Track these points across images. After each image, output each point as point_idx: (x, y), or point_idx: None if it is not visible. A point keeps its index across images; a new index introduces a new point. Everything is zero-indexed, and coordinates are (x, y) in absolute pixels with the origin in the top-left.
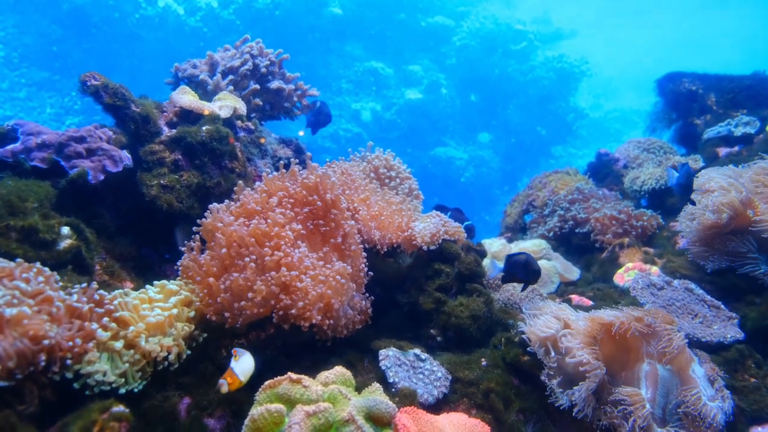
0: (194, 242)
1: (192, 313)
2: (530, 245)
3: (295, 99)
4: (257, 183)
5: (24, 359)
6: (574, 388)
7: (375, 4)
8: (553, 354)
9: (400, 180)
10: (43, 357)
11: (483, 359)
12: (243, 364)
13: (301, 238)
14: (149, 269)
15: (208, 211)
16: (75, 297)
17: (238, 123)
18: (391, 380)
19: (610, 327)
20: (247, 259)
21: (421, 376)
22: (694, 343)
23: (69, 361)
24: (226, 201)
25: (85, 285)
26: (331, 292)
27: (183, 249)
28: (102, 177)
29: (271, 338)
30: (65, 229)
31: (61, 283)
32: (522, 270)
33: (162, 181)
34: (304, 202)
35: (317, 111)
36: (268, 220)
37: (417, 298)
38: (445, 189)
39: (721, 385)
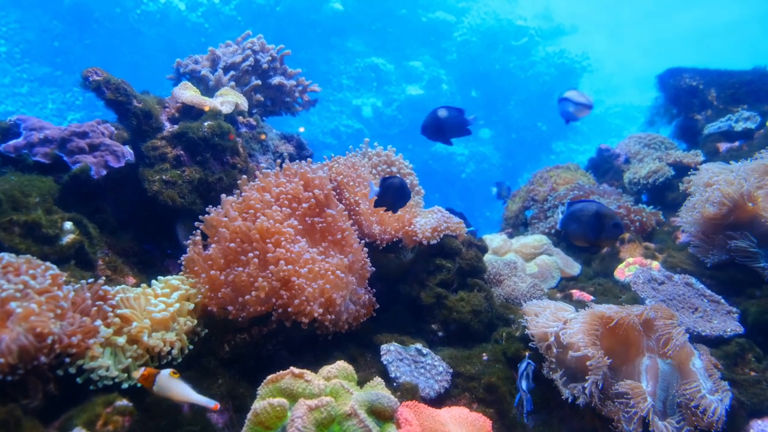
0: (196, 236)
1: (191, 306)
2: (531, 240)
3: (297, 95)
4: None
5: (27, 354)
6: (583, 384)
7: (376, 0)
8: (554, 349)
9: (401, 176)
10: (46, 352)
11: (484, 354)
12: (172, 384)
13: (300, 233)
14: (151, 264)
15: (210, 206)
16: (79, 293)
17: (240, 119)
18: (392, 375)
19: (611, 322)
20: (250, 254)
21: (422, 370)
22: (695, 338)
23: (68, 359)
24: (233, 196)
25: (92, 280)
26: (330, 287)
27: (186, 243)
28: (104, 172)
29: (273, 333)
30: (68, 224)
31: (64, 278)
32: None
33: (164, 177)
34: (300, 199)
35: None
36: (269, 219)
37: (418, 293)
38: (446, 185)
39: (719, 378)
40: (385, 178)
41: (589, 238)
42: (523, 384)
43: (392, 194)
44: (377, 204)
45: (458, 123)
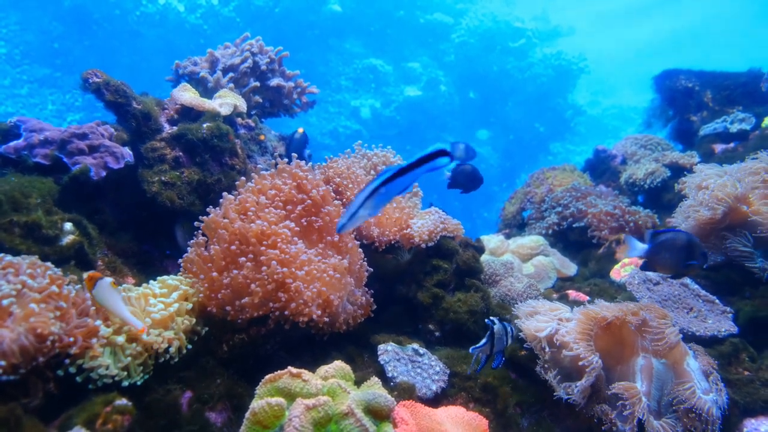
0: (197, 237)
1: (189, 306)
2: (528, 241)
3: (295, 96)
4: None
5: (28, 355)
6: (576, 383)
7: (374, 1)
8: (548, 349)
9: None
10: (47, 352)
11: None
12: (108, 293)
13: (296, 235)
14: (150, 265)
15: (211, 207)
16: (80, 293)
17: (239, 120)
18: (389, 374)
19: (605, 321)
20: (243, 258)
21: (419, 370)
22: (690, 337)
23: (68, 359)
24: (231, 196)
25: None
26: (327, 288)
27: (189, 244)
28: (104, 173)
29: (272, 333)
30: (68, 225)
31: (65, 279)
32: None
33: (163, 178)
34: (295, 201)
35: (467, 173)
36: (261, 220)
37: (415, 293)
38: (443, 186)
39: (716, 378)
40: (458, 165)
41: (679, 267)
42: (482, 341)
43: (463, 178)
44: (449, 186)
45: None
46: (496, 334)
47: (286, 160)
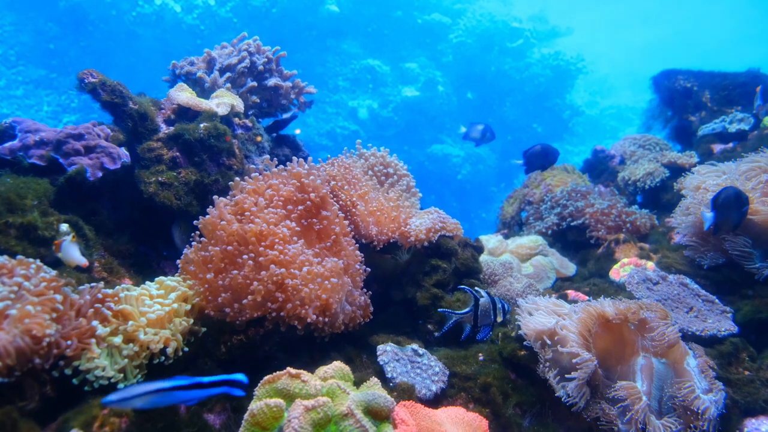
0: (195, 239)
1: (188, 307)
2: (527, 241)
3: (292, 96)
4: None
5: (24, 357)
6: (572, 376)
7: (371, 2)
8: (548, 347)
9: (397, 177)
10: (43, 354)
11: (480, 354)
12: (69, 246)
13: (296, 235)
14: (147, 266)
15: (211, 208)
16: (79, 295)
17: (236, 120)
18: (389, 375)
19: (605, 318)
20: (245, 256)
21: (418, 370)
22: (689, 337)
23: (63, 361)
24: (227, 197)
25: (93, 285)
26: (327, 291)
27: (184, 246)
28: (100, 174)
29: (270, 334)
30: (64, 226)
31: (62, 281)
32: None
33: (160, 178)
34: (294, 201)
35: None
36: (260, 220)
37: (414, 293)
38: (442, 186)
39: (713, 378)
40: (527, 150)
41: (738, 218)
42: (466, 309)
43: (536, 158)
44: (526, 171)
45: None
46: (481, 306)
47: (276, 161)
